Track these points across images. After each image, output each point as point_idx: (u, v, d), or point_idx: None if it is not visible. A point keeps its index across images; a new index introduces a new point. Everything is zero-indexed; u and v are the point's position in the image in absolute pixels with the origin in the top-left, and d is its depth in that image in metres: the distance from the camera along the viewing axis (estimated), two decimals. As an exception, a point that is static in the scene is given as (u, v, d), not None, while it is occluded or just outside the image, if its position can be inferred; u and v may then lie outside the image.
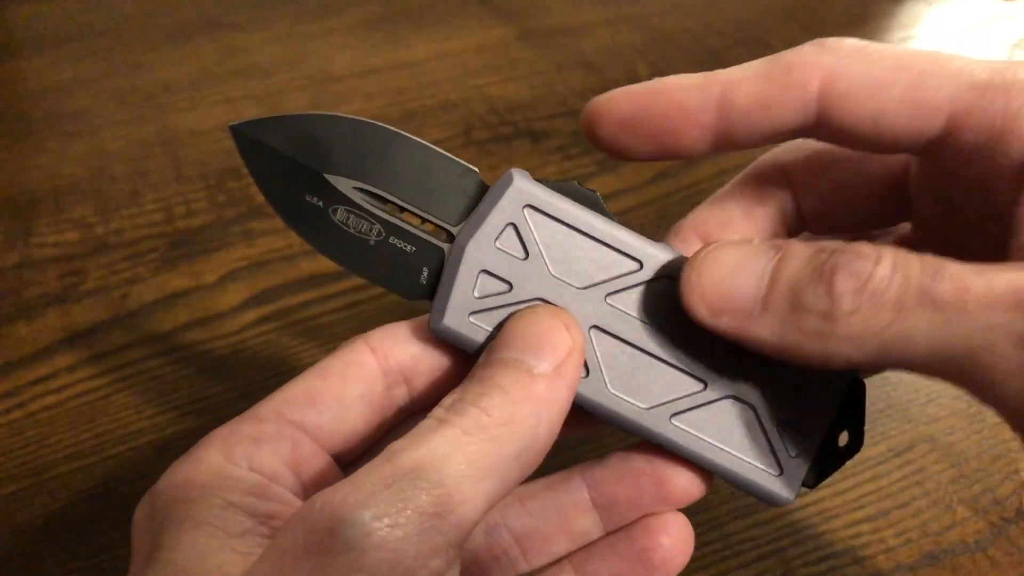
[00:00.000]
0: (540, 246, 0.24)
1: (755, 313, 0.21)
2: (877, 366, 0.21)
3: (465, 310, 0.23)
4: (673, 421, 0.24)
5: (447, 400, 0.21)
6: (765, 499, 0.24)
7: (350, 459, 0.25)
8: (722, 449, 0.24)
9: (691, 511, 0.34)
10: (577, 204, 0.24)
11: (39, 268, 0.44)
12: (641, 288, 0.24)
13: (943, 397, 0.38)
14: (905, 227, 0.27)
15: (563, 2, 0.65)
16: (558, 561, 0.26)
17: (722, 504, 0.35)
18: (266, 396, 0.24)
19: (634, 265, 0.24)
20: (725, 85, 0.23)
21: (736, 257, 0.22)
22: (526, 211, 0.24)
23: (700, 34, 0.62)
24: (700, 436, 0.24)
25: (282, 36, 0.61)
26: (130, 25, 0.62)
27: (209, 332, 0.41)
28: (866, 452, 0.36)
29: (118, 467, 0.36)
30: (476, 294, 0.24)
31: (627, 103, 0.24)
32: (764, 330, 0.21)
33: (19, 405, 0.38)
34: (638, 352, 0.24)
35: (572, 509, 0.25)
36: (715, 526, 0.34)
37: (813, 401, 0.24)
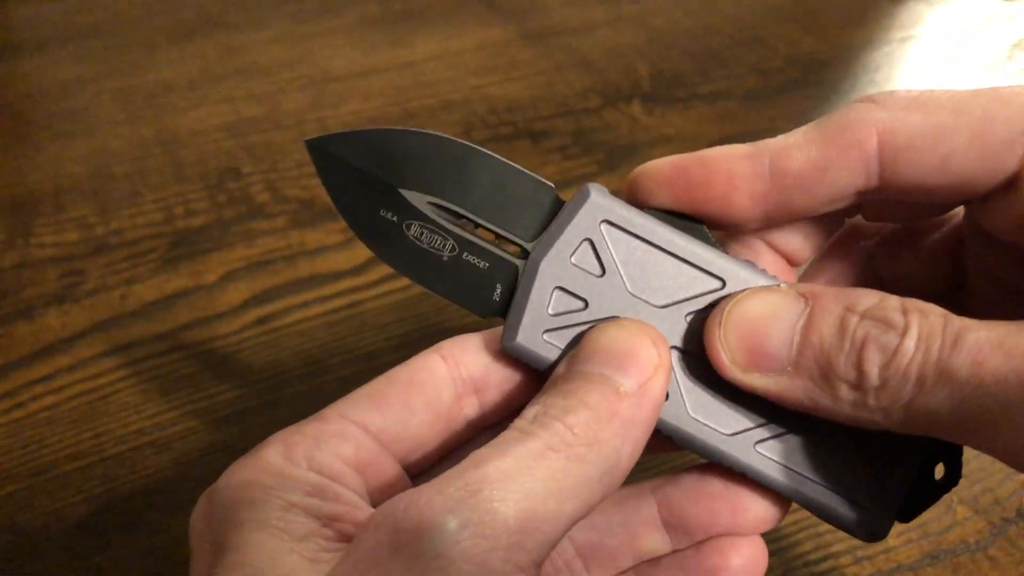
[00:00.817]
0: (617, 263, 0.23)
1: (787, 373, 0.21)
2: (908, 431, 0.21)
3: (539, 328, 0.23)
4: (757, 449, 0.23)
5: (529, 412, 0.21)
6: (855, 534, 0.23)
7: (418, 467, 0.24)
8: (809, 479, 0.23)
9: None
10: (656, 219, 0.23)
11: (39, 268, 0.44)
12: None
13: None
14: (958, 214, 0.26)
15: (563, 2, 0.65)
16: (622, 574, 0.25)
17: (722, 504, 0.35)
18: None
19: (716, 284, 0.23)
20: (776, 152, 0.23)
21: (764, 310, 0.22)
22: (603, 227, 0.23)
23: (700, 34, 0.62)
24: (786, 465, 0.23)
25: (282, 36, 0.61)
26: (130, 25, 0.62)
27: (209, 332, 0.41)
28: (866, 452, 0.36)
29: (118, 467, 0.36)
30: (550, 311, 0.23)
31: (672, 171, 0.23)
32: (797, 392, 0.21)
33: (19, 405, 0.38)
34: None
35: (640, 526, 0.24)
36: (715, 526, 0.34)
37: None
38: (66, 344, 0.40)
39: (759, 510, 0.24)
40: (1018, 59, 0.60)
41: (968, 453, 0.37)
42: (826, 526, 0.34)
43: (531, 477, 0.19)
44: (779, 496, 0.24)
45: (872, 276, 0.26)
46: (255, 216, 0.47)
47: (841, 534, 0.33)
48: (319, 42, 0.61)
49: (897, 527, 0.34)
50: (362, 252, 0.45)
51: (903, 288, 0.24)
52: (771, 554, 0.33)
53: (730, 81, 0.57)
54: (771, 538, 0.33)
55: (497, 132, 0.53)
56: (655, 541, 0.25)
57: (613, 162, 0.51)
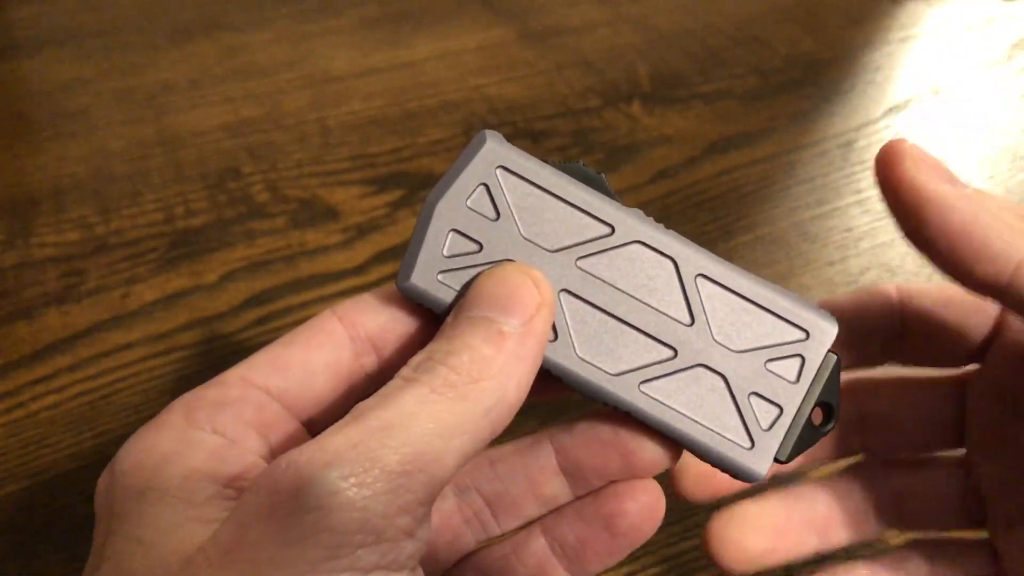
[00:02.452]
0: (512, 207, 0.24)
1: None
2: None
3: (434, 269, 0.23)
4: (642, 388, 0.24)
5: (415, 359, 0.21)
6: (735, 473, 0.24)
7: (322, 427, 0.24)
8: (691, 419, 0.24)
9: (692, 511, 0.34)
10: (550, 168, 0.24)
11: (39, 268, 0.44)
12: (612, 253, 0.24)
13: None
14: (959, 453, 0.28)
15: (563, 2, 0.65)
16: (528, 524, 0.26)
17: (722, 505, 0.35)
18: None
19: (606, 229, 0.24)
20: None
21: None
22: (498, 172, 0.24)
23: (700, 34, 0.62)
24: (669, 405, 0.24)
25: (282, 36, 0.61)
26: (130, 25, 0.62)
27: (209, 332, 0.41)
28: (866, 452, 0.36)
29: (118, 467, 0.36)
30: (445, 253, 0.23)
31: None
32: None
33: (19, 405, 0.38)
34: (608, 317, 0.24)
35: (540, 473, 0.25)
36: (715, 526, 0.34)
37: (787, 374, 0.24)
38: (66, 344, 0.40)
39: (648, 454, 0.24)
40: (1018, 59, 0.60)
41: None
42: (826, 526, 0.34)
43: (415, 422, 0.19)
44: (668, 439, 0.24)
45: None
46: (255, 216, 0.47)
47: (841, 534, 0.33)
48: (319, 42, 0.61)
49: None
50: (362, 252, 0.45)
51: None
52: (771, 554, 0.33)
53: (730, 81, 0.57)
54: (771, 538, 0.33)
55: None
56: (556, 487, 0.25)
57: (613, 162, 0.51)
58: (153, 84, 0.57)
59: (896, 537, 0.30)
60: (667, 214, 0.47)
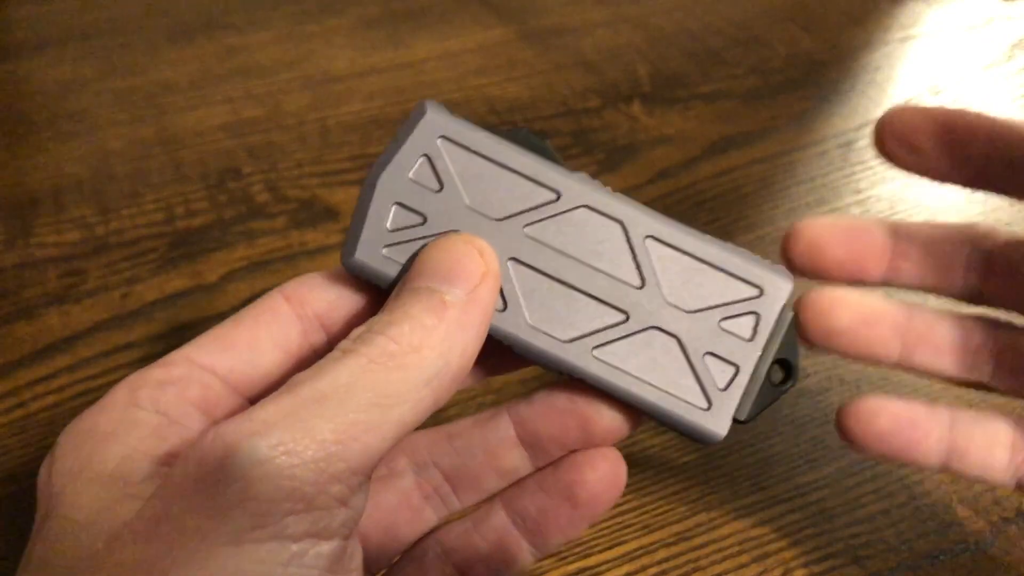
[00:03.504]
0: (455, 177, 0.23)
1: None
2: None
3: (378, 244, 0.23)
4: (595, 354, 0.23)
5: (355, 332, 0.21)
6: (694, 436, 0.24)
7: None
8: (645, 382, 0.23)
9: (692, 511, 0.34)
10: (493, 136, 0.23)
11: (39, 268, 0.44)
12: (559, 218, 0.23)
13: (945, 397, 0.38)
14: None
15: (563, 2, 0.65)
16: (489, 499, 0.25)
17: (721, 505, 0.35)
18: None
19: (551, 195, 0.23)
20: None
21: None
22: (440, 142, 0.23)
23: (700, 34, 0.62)
24: (623, 369, 0.23)
25: (282, 36, 0.61)
26: (130, 25, 0.62)
27: (209, 332, 0.41)
28: (866, 452, 0.36)
29: (118, 467, 0.36)
30: (389, 227, 0.23)
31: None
32: None
33: (19, 405, 0.38)
34: (557, 284, 0.23)
35: (499, 446, 0.25)
36: (715, 526, 0.34)
37: (741, 332, 0.24)
38: (66, 344, 0.40)
39: (605, 421, 0.24)
40: (1018, 59, 0.60)
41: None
42: (826, 525, 0.34)
43: (350, 392, 0.19)
44: (625, 407, 0.24)
45: None
46: (255, 216, 0.47)
47: (841, 534, 0.34)
48: (319, 42, 0.61)
49: (897, 527, 0.34)
50: (362, 252, 0.45)
51: None
52: (771, 554, 0.33)
53: (730, 81, 0.57)
54: (771, 538, 0.33)
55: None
56: (515, 458, 0.25)
57: (613, 162, 0.51)
58: (153, 84, 0.57)
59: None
60: (667, 214, 0.47)
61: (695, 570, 0.33)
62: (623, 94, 0.56)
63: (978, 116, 0.25)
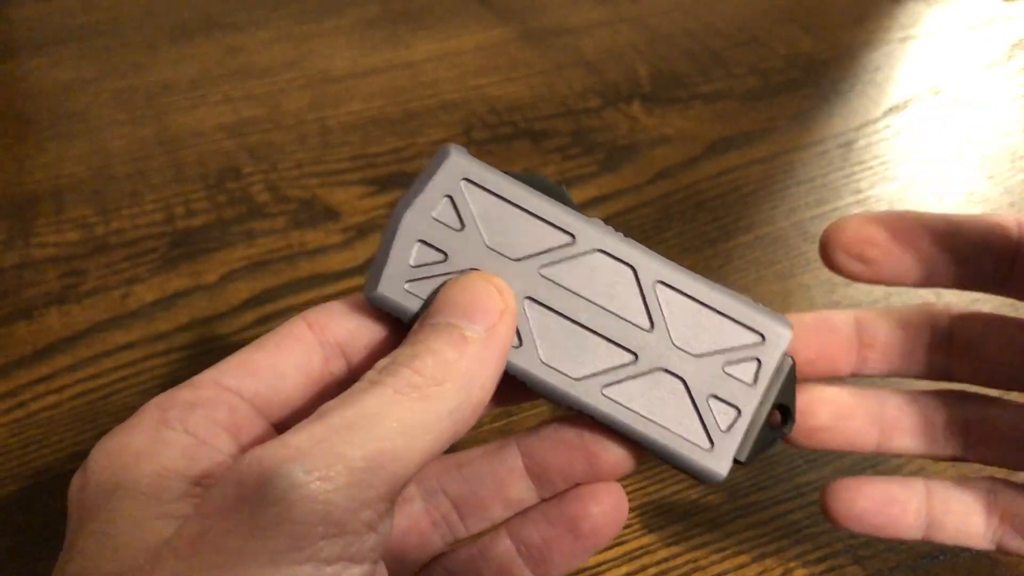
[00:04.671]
0: (476, 218, 0.24)
1: None
2: None
3: (400, 279, 0.24)
4: (604, 392, 0.24)
5: (380, 363, 0.22)
6: (696, 475, 0.25)
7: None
8: (652, 421, 0.24)
9: (691, 512, 0.34)
10: (513, 179, 0.24)
11: (39, 268, 0.44)
12: (574, 261, 0.24)
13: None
14: None
15: (563, 2, 0.65)
16: (495, 527, 0.26)
17: (722, 504, 0.35)
18: None
19: (567, 238, 0.24)
20: None
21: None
22: (462, 184, 0.24)
23: (700, 34, 0.62)
24: (630, 408, 0.24)
25: (282, 36, 0.61)
26: (130, 25, 0.62)
27: (209, 332, 0.41)
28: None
29: (118, 467, 0.36)
30: (412, 263, 0.24)
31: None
32: None
33: (19, 405, 0.38)
34: (570, 323, 0.24)
35: (507, 476, 0.26)
36: (715, 526, 0.34)
37: (744, 377, 0.25)
38: (66, 344, 0.40)
39: (611, 457, 0.25)
40: (1018, 59, 0.60)
41: (968, 453, 0.36)
42: (826, 525, 0.34)
43: (378, 421, 0.20)
44: (630, 443, 0.25)
45: None
46: (255, 216, 0.47)
47: (841, 534, 0.34)
48: (319, 42, 0.61)
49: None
50: (362, 252, 0.45)
51: None
52: (771, 554, 0.33)
53: (730, 81, 0.57)
54: (771, 538, 0.33)
55: (497, 132, 0.53)
56: (522, 490, 0.26)
57: (613, 162, 0.51)
58: (153, 84, 0.57)
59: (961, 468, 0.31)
60: (667, 214, 0.47)
61: (695, 570, 0.33)
62: (623, 94, 0.56)
63: (919, 217, 0.26)
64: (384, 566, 0.21)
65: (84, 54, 0.59)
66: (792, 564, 0.33)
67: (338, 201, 0.48)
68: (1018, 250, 0.26)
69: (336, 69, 0.58)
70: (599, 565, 0.33)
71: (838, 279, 0.44)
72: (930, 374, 0.28)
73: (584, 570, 0.33)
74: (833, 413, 0.28)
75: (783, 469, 0.36)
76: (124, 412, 0.38)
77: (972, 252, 0.27)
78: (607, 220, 0.47)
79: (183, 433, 0.22)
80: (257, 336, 0.41)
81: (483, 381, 0.22)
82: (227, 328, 0.41)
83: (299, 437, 0.19)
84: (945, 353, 0.28)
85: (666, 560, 0.33)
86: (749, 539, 0.34)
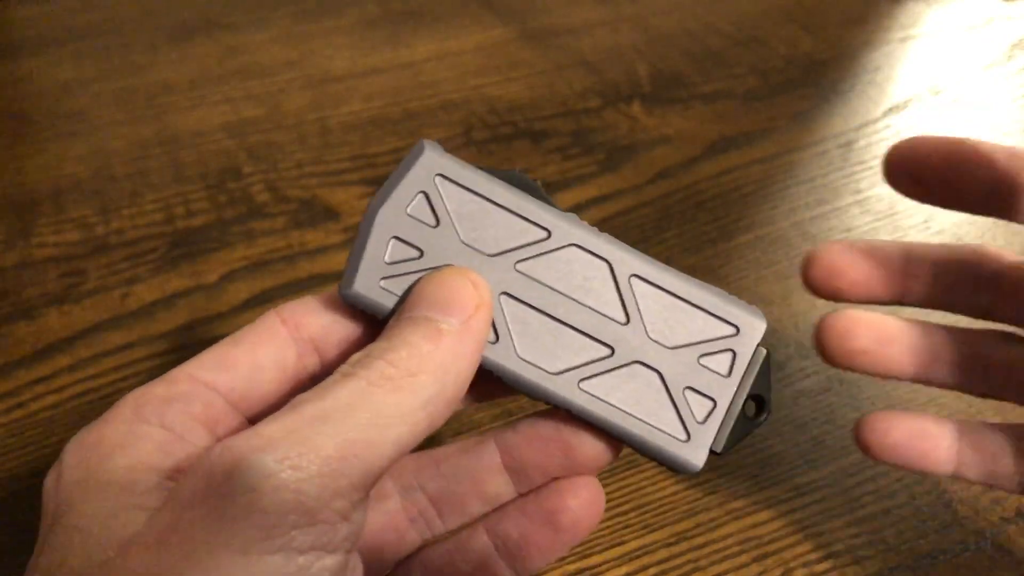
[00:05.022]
0: (451, 214, 0.24)
1: None
2: None
3: (376, 276, 0.24)
4: (581, 386, 0.24)
5: (354, 357, 0.22)
6: (672, 466, 0.25)
7: None
8: (628, 414, 0.24)
9: (692, 511, 0.34)
10: (487, 175, 0.24)
11: (39, 268, 0.44)
12: (550, 256, 0.25)
13: (944, 397, 0.38)
14: None
15: (563, 2, 0.65)
16: (473, 523, 0.26)
17: (721, 505, 0.35)
18: None
19: (542, 234, 0.24)
20: None
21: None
22: (437, 180, 0.24)
23: (700, 34, 0.62)
24: (607, 401, 0.24)
25: (282, 36, 0.61)
26: (130, 25, 0.62)
27: (209, 332, 0.41)
28: (866, 452, 0.36)
29: (118, 467, 0.36)
30: (387, 260, 0.24)
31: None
32: None
33: (19, 405, 0.38)
34: (547, 318, 0.24)
35: (484, 472, 0.26)
36: (715, 526, 0.34)
37: (719, 368, 0.25)
38: (66, 344, 0.40)
39: (588, 450, 0.25)
40: (1018, 59, 0.60)
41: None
42: (826, 526, 0.34)
43: (351, 412, 0.20)
44: (608, 436, 0.25)
45: None
46: (255, 216, 0.47)
47: (841, 534, 0.34)
48: (319, 42, 0.61)
49: (897, 527, 0.34)
50: (362, 252, 0.45)
51: None
52: (771, 554, 0.33)
53: (730, 81, 0.57)
54: (771, 538, 0.33)
55: (497, 132, 0.53)
56: (499, 485, 0.26)
57: (613, 162, 0.51)
58: (153, 84, 0.57)
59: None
60: (667, 214, 0.47)
61: (695, 570, 0.33)
62: (623, 94, 0.56)
63: (887, 246, 0.28)
64: (359, 557, 0.21)
65: (84, 54, 0.59)
66: (792, 564, 0.33)
67: (338, 201, 0.48)
68: (1001, 276, 0.27)
69: (336, 69, 0.58)
70: (599, 565, 0.33)
71: (838, 279, 0.44)
72: (972, 311, 0.28)
73: (584, 570, 0.33)
74: (873, 337, 0.28)
75: (783, 469, 0.36)
76: (124, 412, 0.38)
77: (951, 280, 0.28)
78: (607, 220, 0.47)
79: (158, 427, 0.22)
80: (257, 336, 0.41)
81: (458, 374, 0.22)
82: (227, 328, 0.41)
83: (270, 428, 0.19)
84: (991, 293, 0.28)
85: (666, 560, 0.33)
86: (749, 539, 0.34)
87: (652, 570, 0.33)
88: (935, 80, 0.57)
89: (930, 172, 0.27)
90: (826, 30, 0.62)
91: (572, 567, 0.33)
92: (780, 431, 0.37)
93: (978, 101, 0.56)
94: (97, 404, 0.38)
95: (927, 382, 0.29)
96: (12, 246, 0.45)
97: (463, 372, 0.22)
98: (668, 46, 0.61)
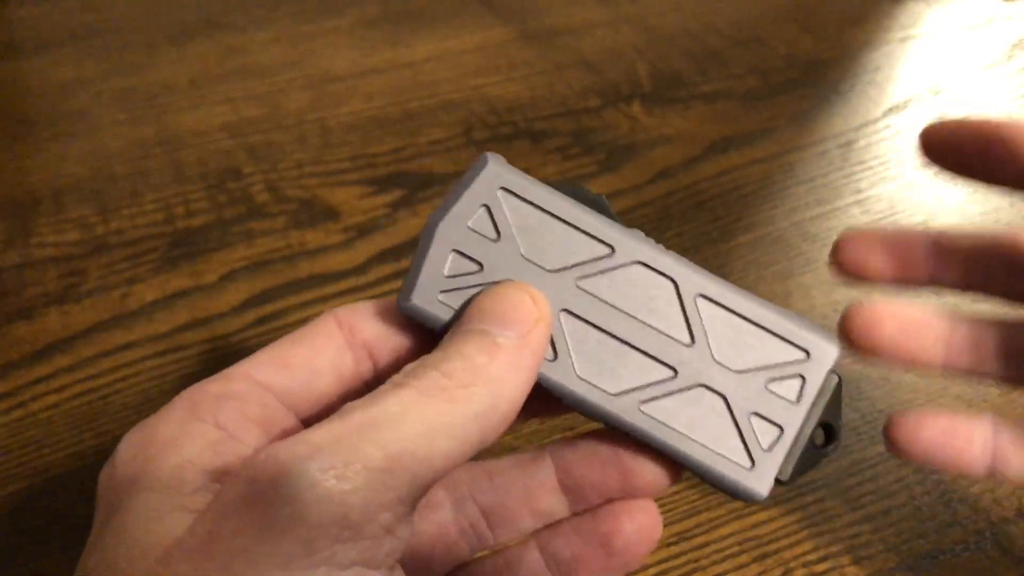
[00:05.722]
0: (512, 228, 0.24)
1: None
2: None
3: (435, 289, 0.23)
4: (642, 408, 0.24)
5: (408, 367, 0.21)
6: (736, 494, 0.24)
7: None
8: (691, 439, 0.24)
9: (692, 511, 0.34)
10: (551, 189, 0.24)
11: (39, 268, 0.44)
12: (612, 273, 0.24)
13: (944, 397, 0.38)
14: None
15: (563, 2, 0.65)
16: (525, 538, 0.26)
17: (721, 505, 0.35)
18: None
19: (606, 250, 0.24)
20: None
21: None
22: (500, 193, 0.24)
23: (700, 34, 0.62)
24: (669, 425, 0.24)
25: (282, 36, 0.61)
26: (130, 25, 0.62)
27: (209, 332, 0.41)
28: (866, 452, 0.36)
29: (118, 467, 0.36)
30: (446, 273, 0.24)
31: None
32: None
33: (19, 405, 0.38)
34: (608, 337, 0.24)
35: (539, 488, 0.25)
36: (714, 527, 0.34)
37: (787, 394, 0.24)
38: (66, 344, 0.40)
39: (647, 474, 0.24)
40: (1018, 59, 0.60)
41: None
42: (826, 526, 0.34)
43: (401, 422, 0.19)
44: (668, 461, 0.24)
45: None
46: (255, 216, 0.47)
47: (841, 534, 0.34)
48: (319, 42, 0.61)
49: (897, 527, 0.34)
50: (362, 252, 0.45)
51: None
52: (771, 554, 0.33)
53: (730, 81, 0.57)
54: (771, 538, 0.33)
55: (497, 132, 0.53)
56: (553, 503, 0.25)
57: (613, 162, 0.51)
58: (153, 84, 0.57)
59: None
60: (667, 214, 0.47)
61: (695, 570, 0.33)
62: (623, 94, 0.56)
63: (917, 231, 0.27)
64: (401, 571, 0.21)
65: (84, 54, 0.59)
66: (792, 564, 0.33)
67: (338, 201, 0.48)
68: None
69: (336, 69, 0.58)
70: (599, 565, 0.33)
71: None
72: (1008, 296, 0.28)
73: (584, 570, 0.33)
74: (898, 326, 0.27)
75: (783, 469, 0.36)
76: (124, 412, 0.38)
77: (985, 265, 0.27)
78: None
79: (212, 426, 0.21)
80: (257, 336, 0.42)
81: (513, 388, 0.21)
82: (227, 328, 0.41)
83: (317, 434, 0.19)
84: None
85: (666, 560, 0.33)
86: (749, 539, 0.34)
87: (652, 570, 0.33)
88: (935, 80, 0.57)
89: (970, 156, 0.26)
90: (826, 30, 0.62)
91: (572, 567, 0.33)
92: (780, 431, 0.37)
93: (978, 101, 0.56)
94: (97, 404, 0.38)
95: (957, 372, 0.28)
96: (12, 246, 0.45)
97: (519, 387, 0.21)
98: (668, 46, 0.61)
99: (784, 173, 0.50)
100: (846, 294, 0.43)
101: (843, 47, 0.61)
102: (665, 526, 0.34)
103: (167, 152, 0.51)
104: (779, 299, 0.43)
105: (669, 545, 0.33)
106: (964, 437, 0.27)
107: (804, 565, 0.33)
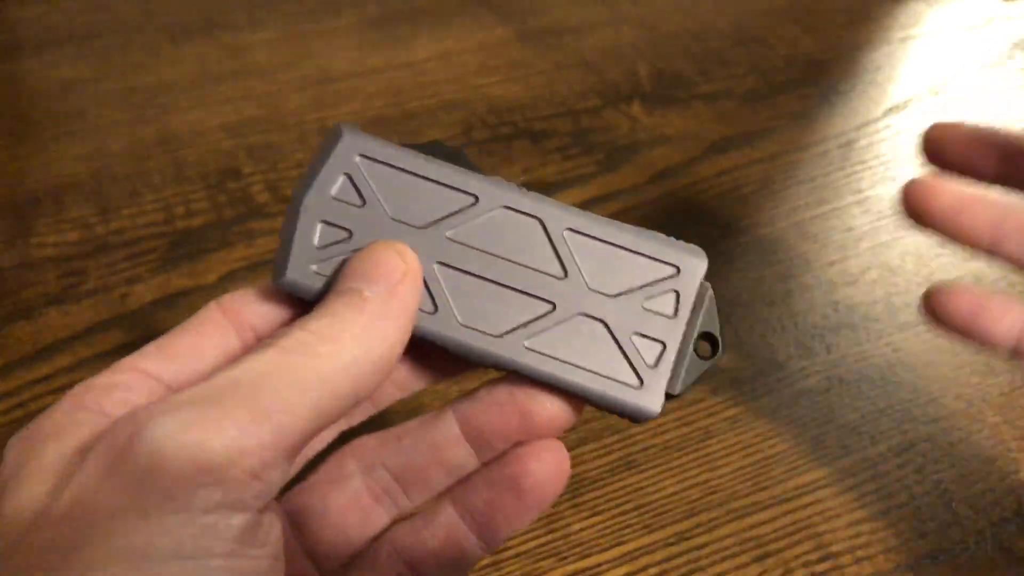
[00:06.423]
0: (376, 192, 0.24)
1: None
2: None
3: (307, 261, 0.24)
4: (526, 345, 0.24)
5: (278, 331, 0.22)
6: (630, 415, 0.24)
7: None
8: (578, 367, 0.24)
9: (692, 511, 0.34)
10: (409, 150, 0.24)
11: (39, 268, 0.44)
12: (480, 220, 0.25)
13: (944, 397, 0.38)
14: None
15: (563, 2, 0.65)
16: (438, 496, 0.26)
17: (721, 505, 0.35)
18: None
19: (470, 200, 0.25)
20: None
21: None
22: (359, 160, 0.24)
23: (700, 34, 0.62)
24: (555, 357, 0.24)
25: (282, 36, 0.61)
26: (130, 25, 0.62)
27: (209, 332, 0.41)
28: (866, 452, 0.36)
29: (118, 467, 0.36)
30: (317, 244, 0.24)
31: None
32: None
33: (19, 405, 0.38)
34: (484, 282, 0.24)
35: (444, 443, 0.25)
36: (714, 527, 0.34)
37: (664, 310, 0.25)
38: (66, 344, 0.40)
39: (546, 411, 0.25)
40: (1018, 59, 0.60)
41: (967, 453, 0.37)
42: (826, 526, 0.34)
43: (264, 377, 0.20)
44: (563, 395, 0.25)
45: None
46: (255, 216, 0.47)
47: (841, 534, 0.34)
48: (319, 42, 0.61)
49: (897, 527, 0.34)
50: (362, 252, 0.45)
51: None
52: (771, 554, 0.33)
53: (730, 81, 0.57)
54: (771, 538, 0.33)
55: (497, 132, 0.53)
56: (461, 455, 0.25)
57: (613, 162, 0.51)
58: (153, 84, 0.57)
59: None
60: (667, 214, 0.47)
61: (695, 570, 0.33)
62: (623, 94, 0.56)
63: (1002, 129, 0.29)
64: (276, 516, 0.21)
65: (84, 54, 0.59)
66: (792, 564, 0.33)
67: (338, 201, 0.48)
68: None
69: (336, 69, 0.58)
70: (599, 565, 0.33)
71: (838, 279, 0.44)
72: None
73: (584, 570, 0.33)
74: (951, 201, 0.28)
75: (783, 469, 0.36)
76: (124, 412, 0.38)
77: None
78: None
79: (97, 414, 0.21)
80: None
81: (383, 338, 0.22)
82: (227, 328, 0.41)
83: (179, 395, 0.19)
84: None
85: (666, 560, 0.33)
86: (749, 539, 0.34)
87: (652, 570, 0.33)
88: (935, 80, 0.57)
89: (970, 159, 0.28)
90: (826, 30, 0.62)
91: (572, 567, 0.33)
92: (780, 431, 0.37)
93: (978, 101, 0.56)
94: (97, 404, 0.38)
95: (1001, 256, 0.29)
96: (12, 246, 0.45)
97: (390, 337, 0.22)
98: (668, 46, 0.61)
99: (784, 173, 0.50)
100: (847, 294, 0.43)
101: (843, 47, 0.61)
102: (665, 526, 0.34)
103: (167, 152, 0.51)
104: (779, 299, 0.43)
105: (669, 545, 0.33)
106: (996, 312, 0.28)
107: (804, 565, 0.33)
